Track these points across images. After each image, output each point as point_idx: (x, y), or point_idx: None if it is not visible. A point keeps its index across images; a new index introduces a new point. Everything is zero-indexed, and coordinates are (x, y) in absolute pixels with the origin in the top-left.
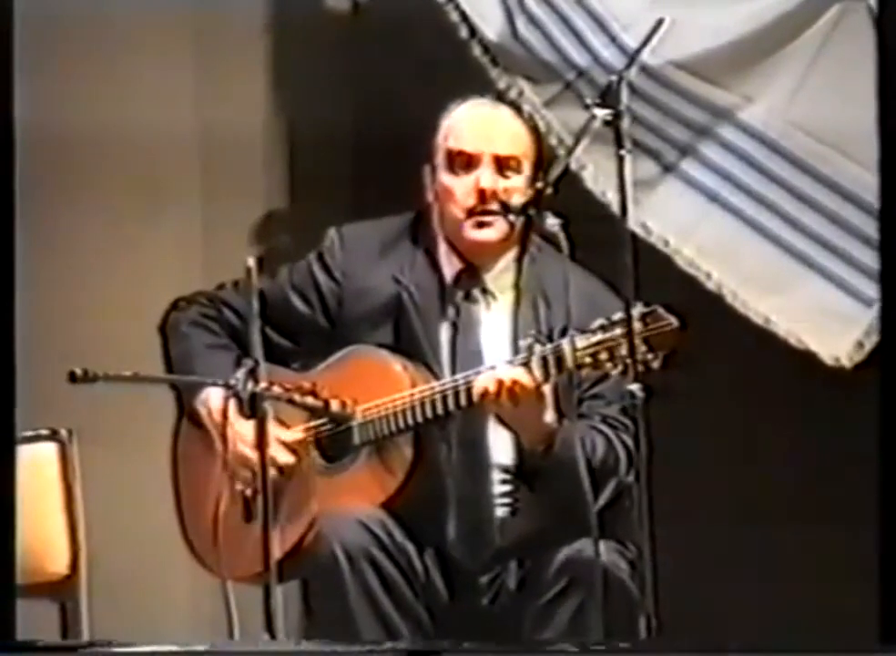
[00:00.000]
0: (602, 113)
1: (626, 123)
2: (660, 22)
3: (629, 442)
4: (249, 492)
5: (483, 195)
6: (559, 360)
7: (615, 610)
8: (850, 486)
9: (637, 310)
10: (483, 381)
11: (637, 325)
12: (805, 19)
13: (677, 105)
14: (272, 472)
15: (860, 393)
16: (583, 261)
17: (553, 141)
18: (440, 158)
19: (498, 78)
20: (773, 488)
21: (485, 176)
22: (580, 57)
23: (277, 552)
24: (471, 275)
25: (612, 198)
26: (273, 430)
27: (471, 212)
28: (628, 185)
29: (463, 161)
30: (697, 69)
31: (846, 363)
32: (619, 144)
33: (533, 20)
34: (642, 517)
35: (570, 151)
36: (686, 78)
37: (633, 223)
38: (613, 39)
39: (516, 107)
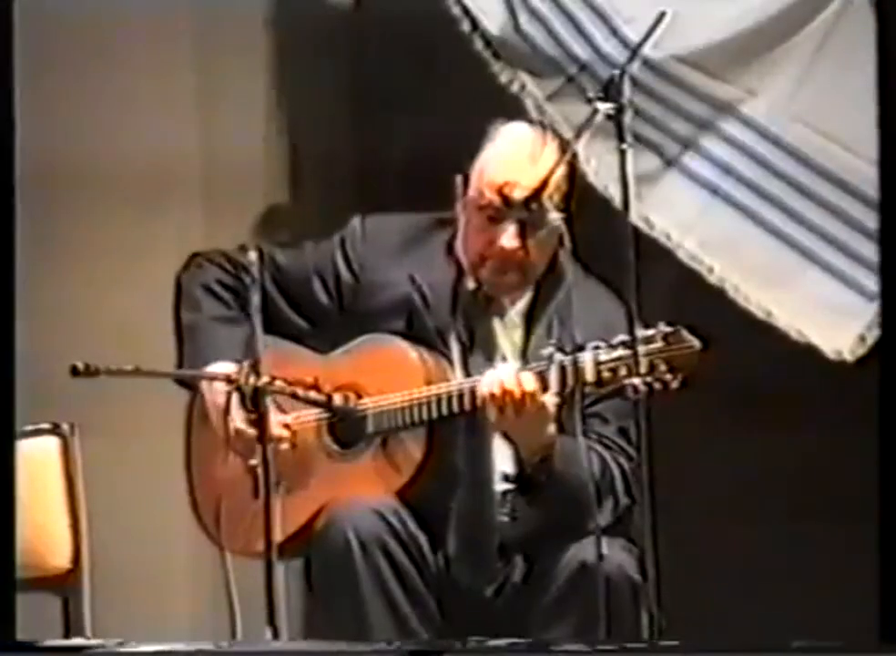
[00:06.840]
0: (604, 107)
1: (628, 117)
2: (662, 15)
3: (624, 464)
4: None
5: (502, 252)
6: (577, 372)
7: (620, 610)
8: (851, 484)
9: (660, 329)
10: (488, 384)
11: (659, 344)
12: (807, 13)
13: (680, 98)
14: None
15: (863, 387)
16: (602, 276)
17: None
18: (472, 191)
19: (500, 72)
20: (772, 485)
21: (508, 236)
22: (582, 51)
23: (282, 532)
24: (489, 296)
25: (614, 192)
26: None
27: (487, 259)
28: (630, 179)
29: (490, 211)
30: (699, 63)
31: (848, 357)
32: (621, 138)
33: (534, 14)
34: (644, 515)
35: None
36: (688, 72)
37: (635, 217)
38: (615, 33)
39: (561, 139)
